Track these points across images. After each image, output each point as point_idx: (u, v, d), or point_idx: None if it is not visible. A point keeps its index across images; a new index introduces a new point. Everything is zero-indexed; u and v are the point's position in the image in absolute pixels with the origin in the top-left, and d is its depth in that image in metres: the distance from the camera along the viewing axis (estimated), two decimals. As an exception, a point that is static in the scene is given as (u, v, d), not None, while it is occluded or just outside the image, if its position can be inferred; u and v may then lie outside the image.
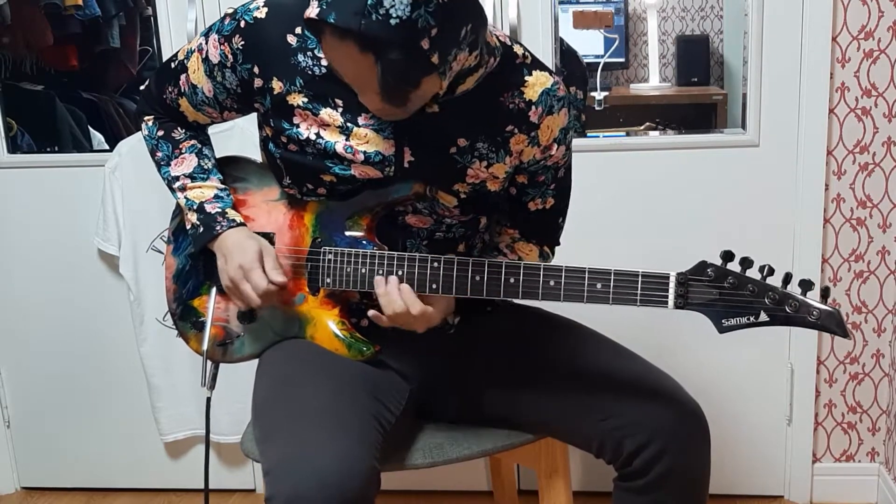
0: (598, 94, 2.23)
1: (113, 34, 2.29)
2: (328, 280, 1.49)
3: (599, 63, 2.24)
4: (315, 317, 1.52)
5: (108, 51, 2.31)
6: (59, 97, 2.35)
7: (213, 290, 1.58)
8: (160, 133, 1.60)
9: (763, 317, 1.29)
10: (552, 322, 1.64)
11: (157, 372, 2.36)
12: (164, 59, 2.19)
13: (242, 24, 1.44)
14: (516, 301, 1.52)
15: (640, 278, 1.33)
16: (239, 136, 2.08)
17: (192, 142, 1.59)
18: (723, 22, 2.18)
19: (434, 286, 1.42)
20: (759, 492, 2.34)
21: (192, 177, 1.57)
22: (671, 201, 2.18)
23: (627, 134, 2.23)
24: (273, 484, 1.28)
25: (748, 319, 1.29)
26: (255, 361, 1.59)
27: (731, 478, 2.30)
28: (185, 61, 1.53)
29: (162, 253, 2.17)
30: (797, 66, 2.07)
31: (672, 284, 1.32)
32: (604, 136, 2.22)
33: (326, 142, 1.43)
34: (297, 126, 1.45)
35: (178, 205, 1.61)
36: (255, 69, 1.45)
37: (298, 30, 1.42)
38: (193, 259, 1.60)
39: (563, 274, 1.37)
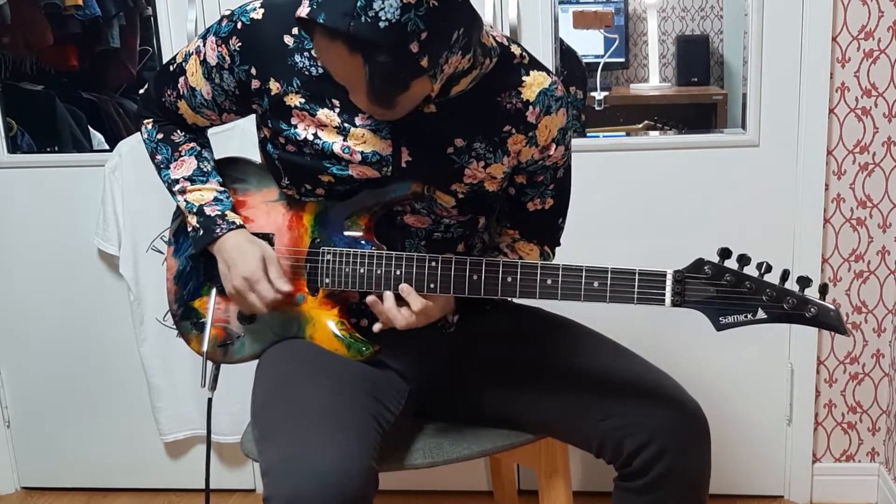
0: (598, 94, 2.22)
1: (113, 34, 2.29)
2: (327, 280, 1.49)
3: (599, 63, 2.24)
4: (314, 317, 1.52)
5: (108, 51, 2.31)
6: (59, 97, 2.35)
7: (213, 291, 1.58)
8: (159, 136, 1.60)
9: (761, 314, 1.28)
10: (552, 322, 1.64)
11: (157, 372, 2.36)
12: (164, 59, 2.21)
13: (239, 25, 1.44)
14: (516, 301, 1.52)
15: (636, 276, 1.33)
16: (239, 137, 2.08)
17: (192, 144, 1.59)
18: (723, 22, 2.18)
19: (432, 285, 1.42)
20: (758, 492, 2.33)
21: (191, 179, 1.57)
22: (671, 201, 2.17)
23: (627, 134, 2.22)
24: (272, 484, 1.28)
25: (746, 317, 1.29)
26: (256, 361, 1.59)
27: (730, 478, 2.30)
28: (184, 64, 1.53)
29: (162, 253, 2.17)
30: (797, 66, 2.07)
31: (669, 282, 1.32)
32: (604, 136, 2.22)
33: (324, 142, 1.43)
34: (295, 127, 1.45)
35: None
36: (253, 70, 1.45)
37: (295, 30, 1.42)
38: (194, 261, 1.60)
39: (560, 272, 1.36)
